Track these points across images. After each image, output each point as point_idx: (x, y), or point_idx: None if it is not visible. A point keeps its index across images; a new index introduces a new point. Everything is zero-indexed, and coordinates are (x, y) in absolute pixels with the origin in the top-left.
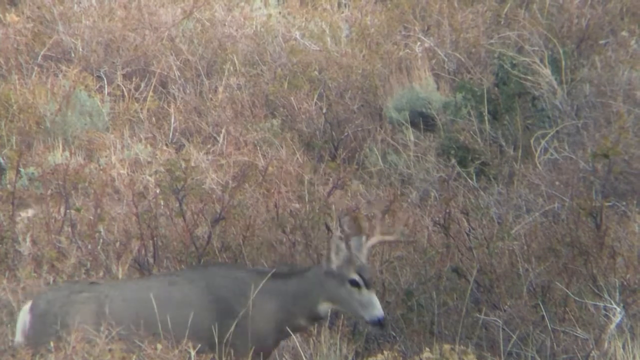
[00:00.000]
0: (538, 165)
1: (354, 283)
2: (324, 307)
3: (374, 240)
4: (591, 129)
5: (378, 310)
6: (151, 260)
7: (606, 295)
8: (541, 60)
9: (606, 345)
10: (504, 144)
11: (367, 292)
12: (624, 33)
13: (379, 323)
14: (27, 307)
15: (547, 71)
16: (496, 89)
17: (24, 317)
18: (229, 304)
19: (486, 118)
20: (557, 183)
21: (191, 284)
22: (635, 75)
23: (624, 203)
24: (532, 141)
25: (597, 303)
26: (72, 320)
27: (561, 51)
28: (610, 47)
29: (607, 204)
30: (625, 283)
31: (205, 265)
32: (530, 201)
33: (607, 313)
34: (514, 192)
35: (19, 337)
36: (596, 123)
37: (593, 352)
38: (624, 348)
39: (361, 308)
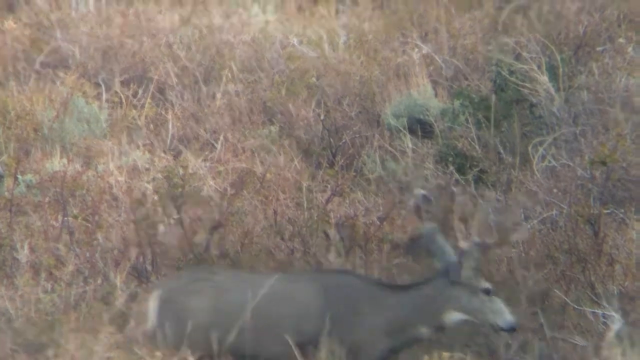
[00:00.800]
0: (536, 172)
1: (487, 292)
2: (451, 317)
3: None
4: (589, 136)
5: (510, 316)
6: (149, 268)
7: (605, 303)
8: (539, 67)
9: (605, 353)
10: (502, 151)
11: (497, 299)
12: (621, 40)
13: (513, 328)
14: (155, 294)
15: (544, 78)
16: (494, 95)
17: (152, 303)
18: (341, 311)
19: (484, 125)
20: (554, 190)
21: (310, 286)
22: (633, 82)
23: (622, 210)
24: (529, 148)
25: (596, 310)
26: (190, 309)
27: (559, 58)
28: (608, 54)
29: (605, 211)
30: (623, 290)
31: (327, 271)
32: (528, 208)
33: (606, 320)
34: (512, 199)
35: (149, 323)
36: (594, 130)
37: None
38: (623, 356)
39: (493, 315)
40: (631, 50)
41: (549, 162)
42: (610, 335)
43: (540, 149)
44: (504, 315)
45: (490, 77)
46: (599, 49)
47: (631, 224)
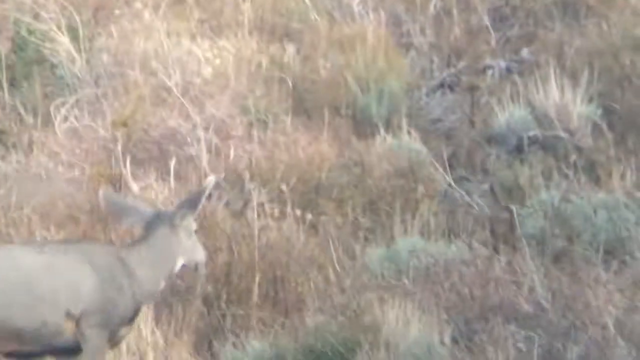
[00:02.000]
0: (58, 133)
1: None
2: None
3: None
4: (110, 97)
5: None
6: None
7: None
8: (59, 28)
9: None
10: (22, 112)
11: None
12: (138, 4)
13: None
14: None
15: (65, 39)
16: (13, 55)
17: None
18: None
19: (4, 85)
20: (77, 151)
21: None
22: (151, 46)
23: (142, 170)
24: (51, 109)
25: None
26: None
27: (78, 19)
28: (126, 18)
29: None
30: None
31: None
32: (50, 169)
33: None
34: (33, 160)
35: None
36: (115, 92)
37: None
38: None
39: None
40: (147, 15)
41: (71, 123)
42: None
43: (62, 110)
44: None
45: (9, 36)
46: (117, 12)
47: (150, 183)
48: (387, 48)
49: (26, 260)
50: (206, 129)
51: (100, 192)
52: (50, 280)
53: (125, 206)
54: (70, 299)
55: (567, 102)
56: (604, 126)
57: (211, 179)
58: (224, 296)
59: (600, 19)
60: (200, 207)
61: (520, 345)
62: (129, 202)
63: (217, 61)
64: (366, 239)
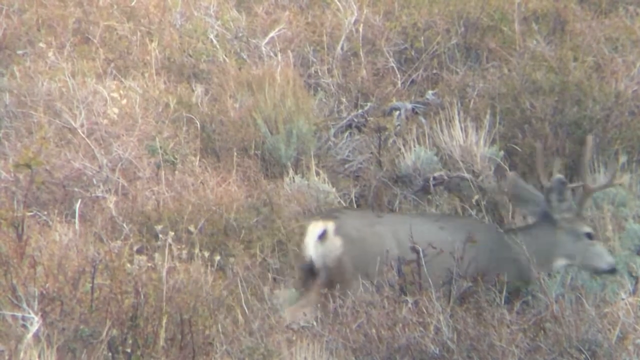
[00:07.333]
0: None
1: (590, 236)
2: (559, 263)
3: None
4: (13, 138)
5: (610, 257)
6: None
7: (25, 305)
8: None
9: (22, 355)
10: None
11: (597, 242)
12: (41, 44)
13: (614, 269)
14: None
15: None
16: None
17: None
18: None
19: None
20: None
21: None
22: (55, 87)
23: (46, 212)
24: None
25: (16, 314)
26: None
27: None
28: (29, 58)
29: (29, 213)
30: (44, 292)
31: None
32: None
33: (25, 323)
34: None
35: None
36: (18, 133)
37: None
38: (40, 357)
39: (596, 259)
40: (51, 54)
41: None
42: (28, 337)
43: None
44: (605, 257)
45: None
46: (19, 52)
47: (54, 226)
48: (296, 89)
49: None
50: (113, 170)
51: (510, 173)
52: None
53: (528, 193)
54: None
55: (470, 143)
56: (507, 167)
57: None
58: (130, 340)
59: (501, 63)
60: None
61: None
62: (532, 190)
63: (124, 101)
64: (275, 280)
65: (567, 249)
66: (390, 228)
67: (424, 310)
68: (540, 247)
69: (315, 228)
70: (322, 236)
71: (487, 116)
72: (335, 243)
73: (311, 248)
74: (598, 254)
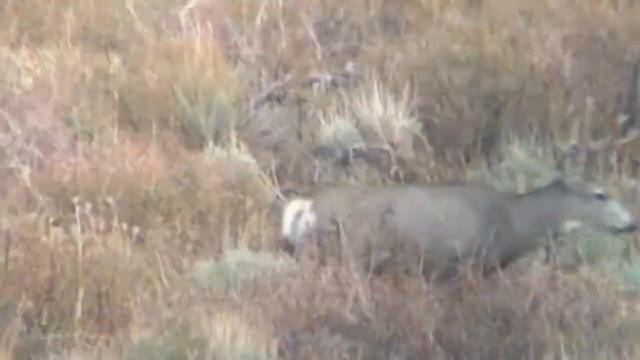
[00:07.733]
0: None
1: (600, 197)
2: (568, 225)
3: None
4: None
5: (627, 215)
6: None
7: None
8: None
9: None
10: None
11: (612, 202)
12: None
13: (632, 227)
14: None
15: None
16: None
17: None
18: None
19: None
20: None
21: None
22: None
23: None
24: None
25: None
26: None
27: None
28: None
29: None
30: None
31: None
32: None
33: None
34: None
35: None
36: None
37: None
38: None
39: (610, 218)
40: None
41: None
42: None
43: None
44: (621, 216)
45: None
46: None
47: None
48: (215, 60)
49: None
50: (27, 141)
51: None
52: None
53: None
54: None
55: (390, 115)
56: (425, 139)
57: None
58: (46, 313)
59: (419, 35)
60: None
61: (345, 356)
62: None
63: (38, 71)
64: (194, 252)
65: (576, 210)
66: (375, 202)
67: (343, 281)
68: (548, 210)
69: (292, 207)
70: (298, 215)
71: (406, 88)
72: (310, 222)
73: (287, 226)
74: (612, 214)
